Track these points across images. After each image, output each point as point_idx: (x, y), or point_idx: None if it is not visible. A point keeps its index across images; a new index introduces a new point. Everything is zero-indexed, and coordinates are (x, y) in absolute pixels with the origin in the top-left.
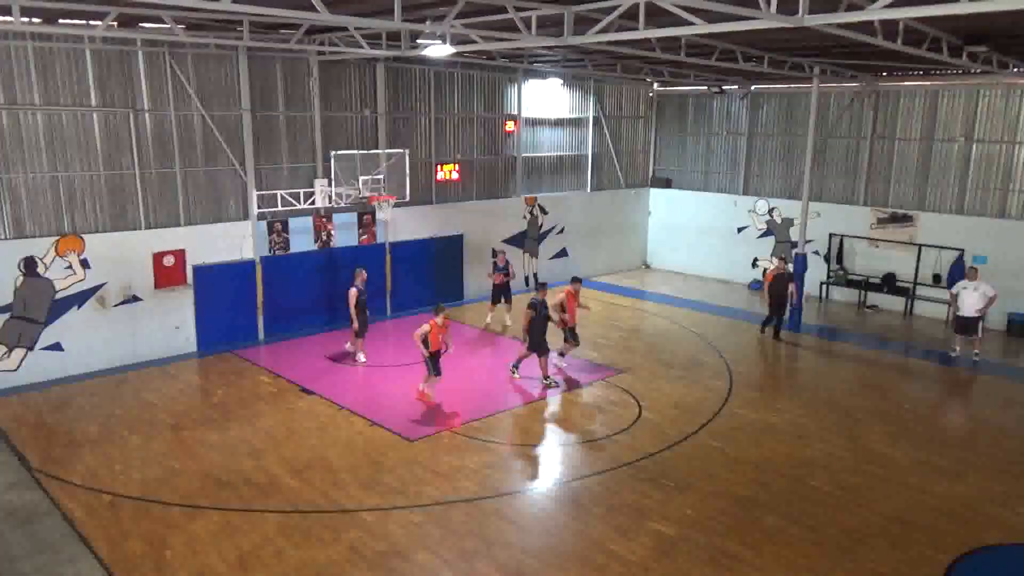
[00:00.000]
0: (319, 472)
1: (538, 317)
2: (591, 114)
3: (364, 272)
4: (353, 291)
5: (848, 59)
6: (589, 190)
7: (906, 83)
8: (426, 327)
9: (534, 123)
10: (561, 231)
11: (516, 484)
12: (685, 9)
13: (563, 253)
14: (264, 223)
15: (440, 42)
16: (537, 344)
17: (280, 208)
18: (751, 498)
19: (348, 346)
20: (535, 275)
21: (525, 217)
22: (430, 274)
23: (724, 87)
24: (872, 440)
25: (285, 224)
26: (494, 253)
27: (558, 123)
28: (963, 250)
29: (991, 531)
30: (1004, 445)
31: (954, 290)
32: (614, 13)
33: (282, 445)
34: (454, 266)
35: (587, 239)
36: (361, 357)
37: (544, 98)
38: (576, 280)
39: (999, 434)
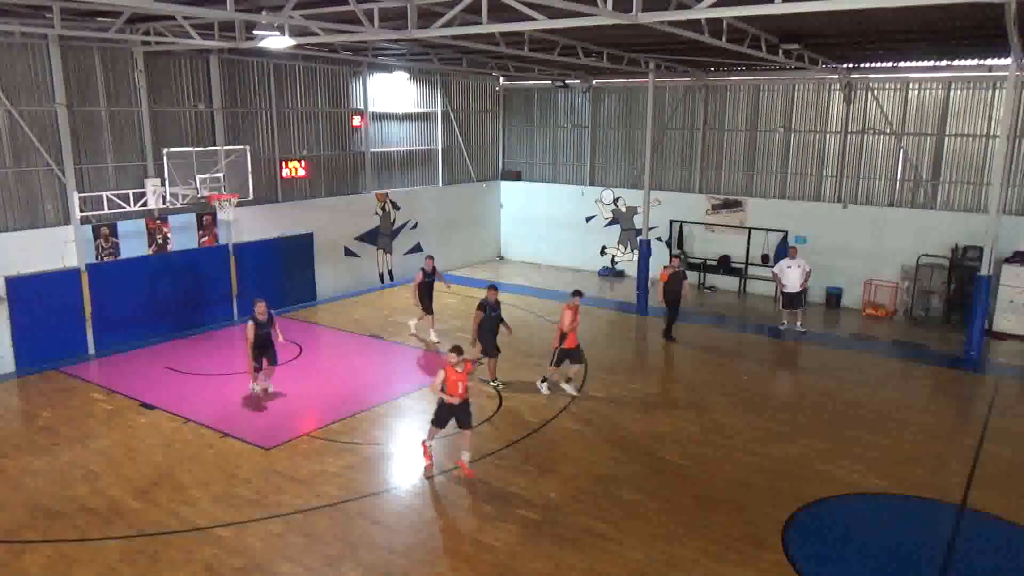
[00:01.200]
0: (166, 491)
1: (488, 318)
2: (439, 108)
3: (262, 303)
4: (250, 324)
5: (680, 55)
6: (441, 184)
7: (732, 78)
8: (440, 374)
9: (382, 117)
10: (415, 226)
11: (380, 484)
12: (527, 5)
13: (417, 248)
14: (89, 227)
15: (278, 33)
16: (489, 347)
17: (107, 211)
18: (610, 476)
19: (253, 386)
20: (390, 271)
21: (377, 213)
22: (279, 275)
23: (567, 81)
24: (716, 412)
25: (114, 228)
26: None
27: (406, 117)
28: (786, 232)
29: (821, 485)
30: (828, 407)
31: (776, 269)
32: (457, 7)
33: (122, 466)
34: (305, 266)
35: (441, 233)
36: (258, 388)
37: (391, 92)
38: (577, 294)
39: (824, 397)
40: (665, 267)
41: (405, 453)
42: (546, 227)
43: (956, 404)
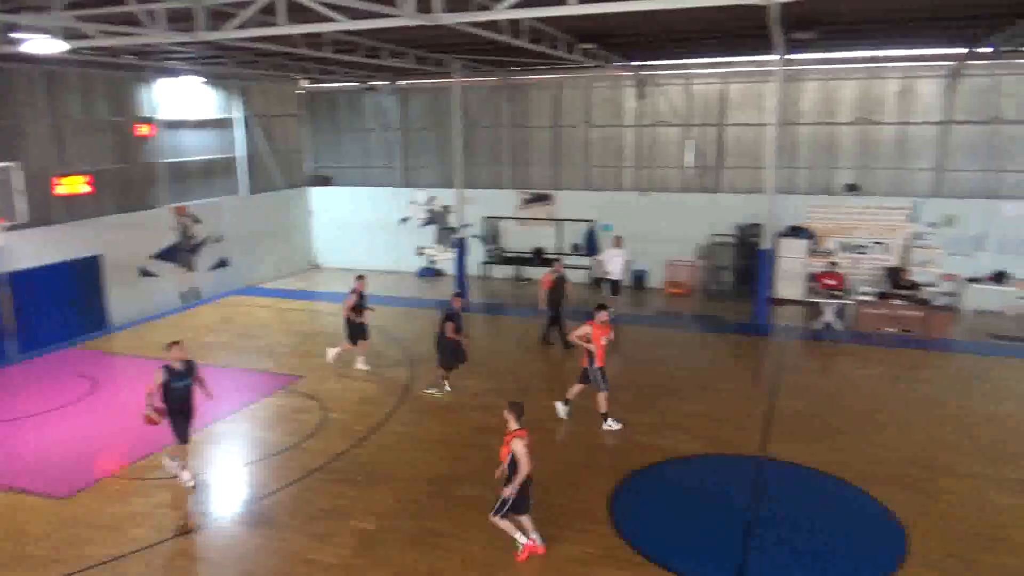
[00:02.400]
0: None
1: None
2: (239, 114)
3: (180, 346)
4: (160, 372)
5: (485, 55)
6: (245, 194)
7: (534, 77)
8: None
9: (174, 126)
10: (219, 240)
11: (199, 518)
12: (326, 5)
13: (223, 263)
14: None
15: (46, 36)
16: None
17: None
18: (446, 475)
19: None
20: (194, 289)
21: (174, 228)
22: (64, 303)
23: (374, 83)
24: (541, 398)
25: None
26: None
27: (202, 125)
28: (593, 221)
29: (643, 456)
30: (646, 382)
31: (603, 256)
32: (251, 8)
33: None
34: (92, 291)
35: (248, 245)
36: (185, 476)
37: (183, 98)
38: (601, 308)
39: (641, 374)
40: (548, 272)
41: (226, 480)
42: (360, 232)
43: (751, 366)
